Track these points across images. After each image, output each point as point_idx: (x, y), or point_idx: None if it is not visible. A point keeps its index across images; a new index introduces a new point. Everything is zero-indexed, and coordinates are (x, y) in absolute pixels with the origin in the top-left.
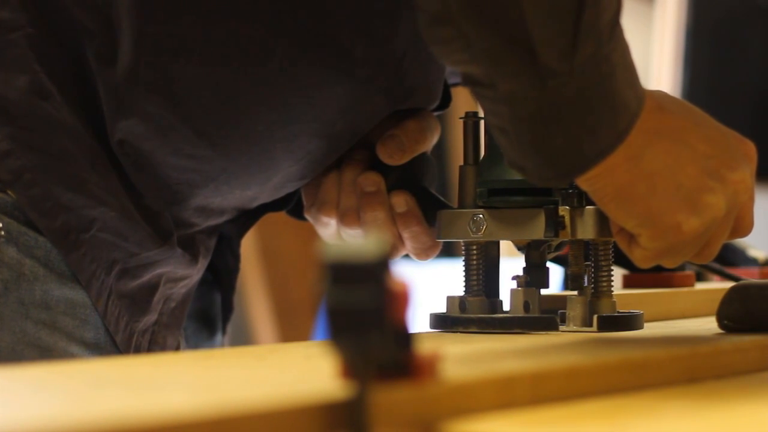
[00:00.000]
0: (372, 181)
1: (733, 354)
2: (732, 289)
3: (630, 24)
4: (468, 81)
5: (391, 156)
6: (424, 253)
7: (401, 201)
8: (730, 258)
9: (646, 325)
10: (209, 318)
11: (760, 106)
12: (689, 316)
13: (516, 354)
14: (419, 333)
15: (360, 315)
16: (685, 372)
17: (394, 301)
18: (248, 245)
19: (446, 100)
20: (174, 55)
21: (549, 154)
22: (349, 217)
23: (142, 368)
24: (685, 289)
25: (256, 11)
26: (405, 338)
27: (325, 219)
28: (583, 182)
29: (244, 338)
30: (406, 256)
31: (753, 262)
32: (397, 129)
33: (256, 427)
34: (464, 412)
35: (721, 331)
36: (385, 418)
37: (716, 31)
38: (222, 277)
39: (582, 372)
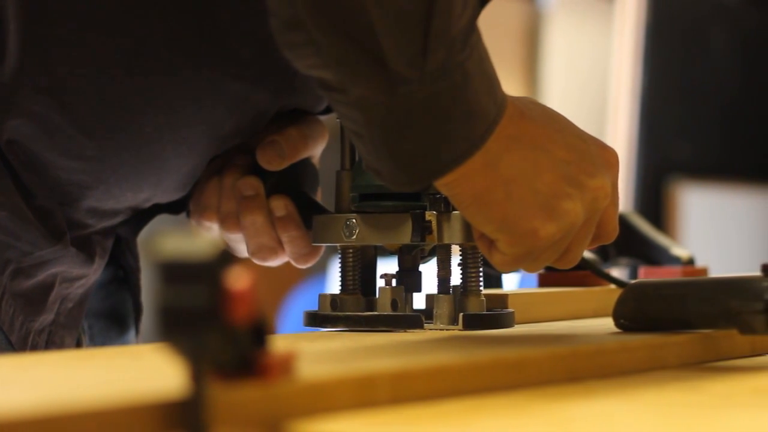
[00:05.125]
0: (250, 185)
1: (619, 353)
2: (627, 288)
3: (590, 22)
4: (322, 86)
5: (270, 162)
6: (302, 259)
7: (280, 205)
8: (653, 256)
9: (551, 324)
10: (119, 316)
11: (725, 105)
12: (602, 315)
13: (382, 353)
14: (275, 332)
15: (192, 314)
16: (565, 371)
17: (231, 300)
18: None
19: None
20: (61, 57)
21: (402, 159)
22: (229, 221)
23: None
24: (598, 288)
25: (143, 15)
26: (252, 337)
27: (206, 224)
28: (442, 187)
29: None
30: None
31: (676, 260)
32: (278, 135)
33: (86, 427)
34: (320, 411)
35: (618, 330)
36: (227, 417)
37: (678, 29)
38: (128, 277)
39: (448, 371)
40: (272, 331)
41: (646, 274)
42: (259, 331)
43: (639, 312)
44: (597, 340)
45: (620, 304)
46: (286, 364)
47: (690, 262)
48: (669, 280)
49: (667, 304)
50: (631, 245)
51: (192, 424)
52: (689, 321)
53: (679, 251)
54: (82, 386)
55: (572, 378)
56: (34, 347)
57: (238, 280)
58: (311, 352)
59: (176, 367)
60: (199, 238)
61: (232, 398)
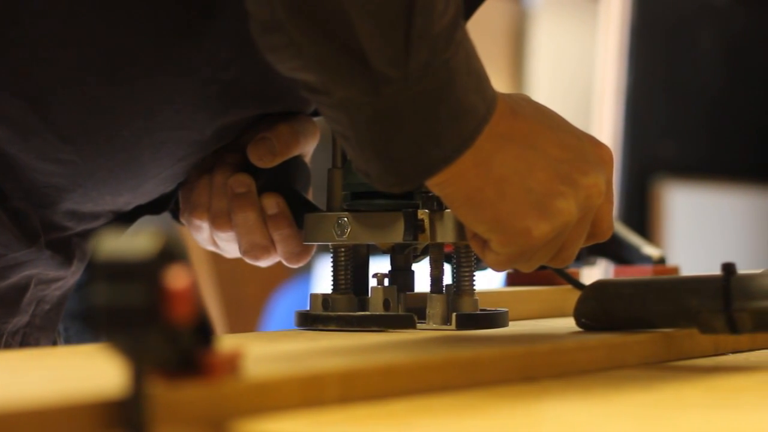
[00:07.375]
0: (242, 182)
1: (576, 353)
2: (588, 287)
3: (575, 21)
4: (306, 88)
5: (261, 159)
6: (294, 258)
7: (272, 203)
8: (624, 256)
9: (515, 323)
10: None
11: (711, 104)
12: (569, 314)
13: (334, 352)
14: (218, 331)
15: (131, 313)
16: (520, 371)
17: (171, 298)
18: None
19: None
20: (36, 60)
21: (390, 160)
22: (220, 219)
23: None
24: (564, 287)
25: (118, 17)
26: (196, 336)
27: (197, 222)
28: (433, 187)
29: None
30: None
31: (647, 259)
32: (269, 132)
33: (25, 427)
34: (267, 410)
35: (579, 329)
36: (170, 416)
37: (663, 28)
38: None
39: (398, 370)
40: (216, 331)
41: (618, 273)
42: (204, 330)
43: (600, 311)
44: (554, 340)
45: (581, 303)
46: (231, 363)
47: (661, 261)
48: (629, 279)
49: (627, 303)
50: (603, 244)
51: (131, 423)
52: (650, 320)
53: (650, 250)
54: (24, 386)
55: (528, 378)
56: (8, 349)
57: (178, 278)
58: (264, 352)
59: (122, 366)
60: (140, 236)
61: (174, 397)
